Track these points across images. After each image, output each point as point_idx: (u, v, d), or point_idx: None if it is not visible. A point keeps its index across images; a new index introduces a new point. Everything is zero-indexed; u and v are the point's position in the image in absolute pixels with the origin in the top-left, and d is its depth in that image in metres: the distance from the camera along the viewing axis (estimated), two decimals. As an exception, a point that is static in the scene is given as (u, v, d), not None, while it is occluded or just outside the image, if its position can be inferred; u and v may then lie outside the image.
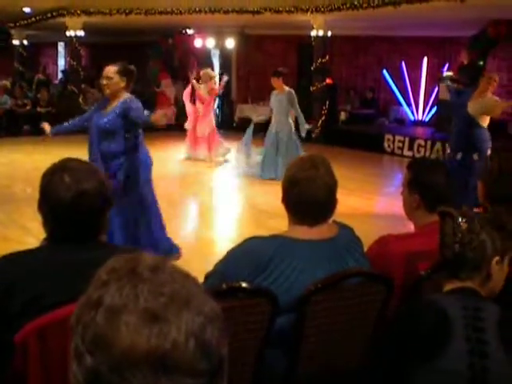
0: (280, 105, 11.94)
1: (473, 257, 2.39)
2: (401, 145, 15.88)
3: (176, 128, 18.31)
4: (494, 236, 2.40)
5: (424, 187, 3.32)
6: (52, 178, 2.44)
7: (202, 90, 14.21)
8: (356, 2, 14.94)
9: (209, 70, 14.93)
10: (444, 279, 2.48)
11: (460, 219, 2.43)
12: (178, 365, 0.97)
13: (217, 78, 20.14)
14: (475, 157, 8.39)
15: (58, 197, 2.40)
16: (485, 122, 8.58)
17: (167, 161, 14.10)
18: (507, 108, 9.02)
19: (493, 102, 8.64)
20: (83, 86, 19.62)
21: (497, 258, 2.40)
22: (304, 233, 2.92)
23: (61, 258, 2.41)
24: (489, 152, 8.35)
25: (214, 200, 11.19)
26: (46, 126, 6.64)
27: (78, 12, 17.46)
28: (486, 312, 2.27)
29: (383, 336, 2.59)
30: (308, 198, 2.89)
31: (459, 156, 8.54)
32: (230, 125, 19.82)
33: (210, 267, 2.99)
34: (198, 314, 1.01)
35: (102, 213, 2.49)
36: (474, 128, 8.45)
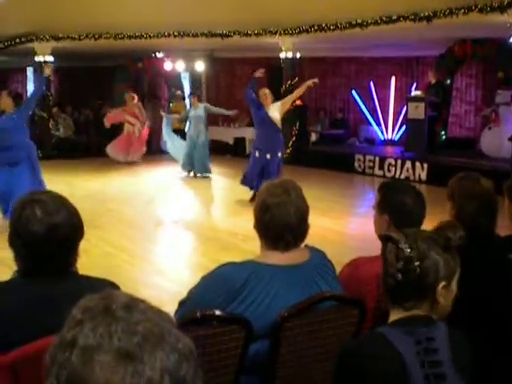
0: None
1: (416, 285, 2.25)
2: (371, 164, 15.97)
3: (147, 150, 18.29)
4: (441, 260, 2.27)
5: (392, 207, 3.37)
6: (23, 212, 2.42)
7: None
8: (324, 24, 15.08)
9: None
10: (390, 306, 2.34)
11: (403, 244, 2.27)
12: None
13: (187, 101, 20.28)
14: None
15: (31, 231, 2.39)
16: None
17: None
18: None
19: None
20: (54, 110, 19.51)
21: (443, 283, 2.27)
22: (277, 258, 2.93)
23: (33, 292, 2.39)
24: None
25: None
26: None
27: (47, 37, 17.38)
28: (438, 341, 2.18)
29: None
30: (280, 223, 2.90)
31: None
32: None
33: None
34: (172, 351, 1.02)
35: (73, 244, 2.48)
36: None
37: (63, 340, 1.04)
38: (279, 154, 11.65)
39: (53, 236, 2.39)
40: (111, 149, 17.48)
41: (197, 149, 15.22)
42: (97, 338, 1.01)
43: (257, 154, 11.69)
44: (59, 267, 2.45)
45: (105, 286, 2.41)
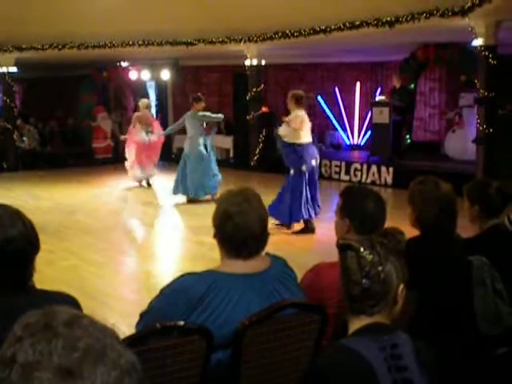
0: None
1: (381, 290, 2.27)
2: (338, 169, 16.06)
3: (113, 160, 18.20)
4: (397, 264, 2.29)
5: (353, 212, 3.40)
6: None
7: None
8: (288, 31, 15.15)
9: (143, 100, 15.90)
10: (350, 316, 2.35)
11: (363, 250, 2.29)
12: None
13: (153, 110, 20.22)
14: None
15: None
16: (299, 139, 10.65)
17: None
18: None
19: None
20: (18, 122, 19.34)
21: (401, 286, 2.30)
22: (238, 267, 2.92)
23: None
24: (314, 163, 10.54)
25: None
26: None
27: (10, 48, 17.26)
28: (401, 347, 2.20)
29: None
30: (243, 231, 2.89)
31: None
32: (168, 156, 19.73)
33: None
34: (114, 367, 1.01)
35: (29, 258, 2.46)
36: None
37: (3, 357, 1.03)
38: (291, 171, 10.47)
39: (7, 249, 2.36)
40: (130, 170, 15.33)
41: (211, 164, 12.87)
42: (36, 354, 1.00)
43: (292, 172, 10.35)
44: (14, 281, 2.42)
45: (60, 300, 2.39)
